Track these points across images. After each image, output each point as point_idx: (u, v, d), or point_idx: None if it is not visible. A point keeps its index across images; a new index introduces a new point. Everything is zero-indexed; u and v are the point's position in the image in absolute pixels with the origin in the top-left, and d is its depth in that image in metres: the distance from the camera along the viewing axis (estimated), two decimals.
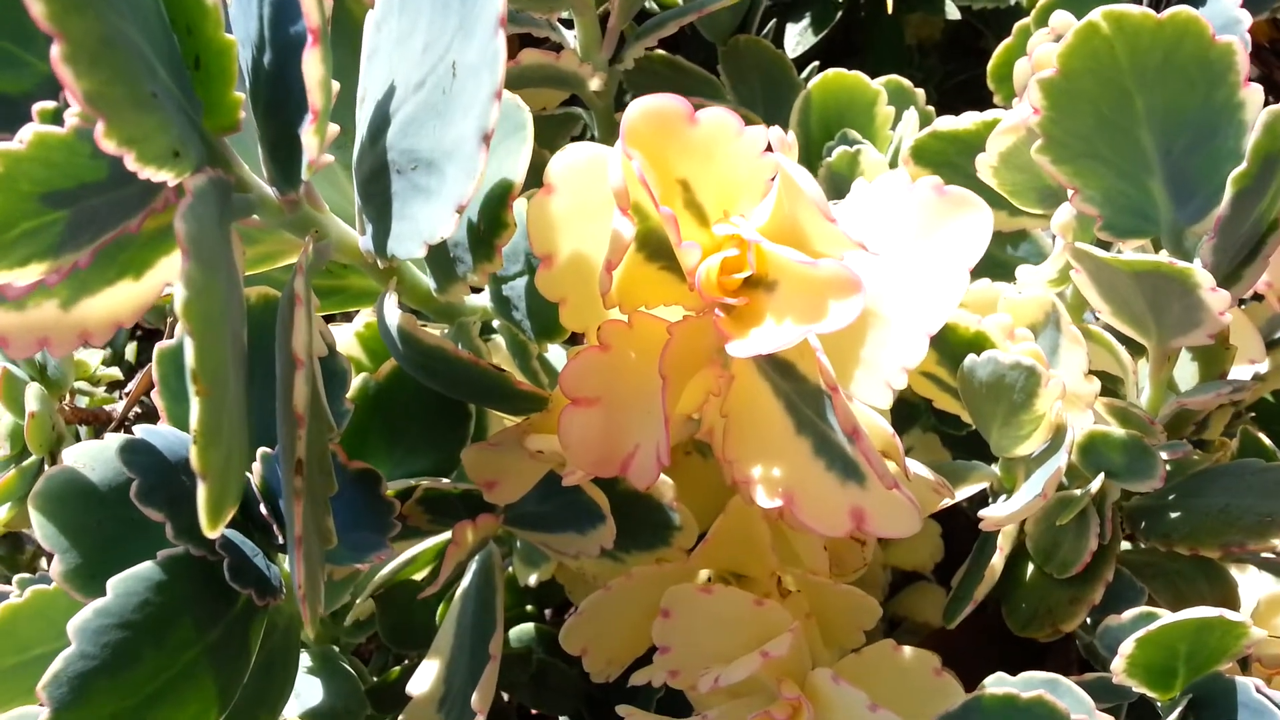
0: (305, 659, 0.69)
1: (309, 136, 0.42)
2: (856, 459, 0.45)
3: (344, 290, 0.59)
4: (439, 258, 0.53)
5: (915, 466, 0.56)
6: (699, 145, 0.42)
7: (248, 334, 0.51)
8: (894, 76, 0.77)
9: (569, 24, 0.70)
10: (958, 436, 0.81)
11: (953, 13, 0.96)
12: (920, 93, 0.77)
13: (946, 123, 0.69)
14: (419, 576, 0.76)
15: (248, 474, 0.53)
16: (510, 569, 0.80)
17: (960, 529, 0.92)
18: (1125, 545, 0.70)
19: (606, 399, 0.47)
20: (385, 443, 0.60)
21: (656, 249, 0.46)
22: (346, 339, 0.64)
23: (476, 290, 0.59)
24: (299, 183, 0.44)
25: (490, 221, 0.48)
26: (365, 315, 0.64)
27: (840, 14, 0.93)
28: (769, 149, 0.43)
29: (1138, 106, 0.52)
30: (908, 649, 0.57)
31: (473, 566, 0.67)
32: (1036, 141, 0.55)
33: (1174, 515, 0.65)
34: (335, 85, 0.43)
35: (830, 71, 0.74)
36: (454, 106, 0.40)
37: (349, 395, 0.57)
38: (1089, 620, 0.71)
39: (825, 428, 0.46)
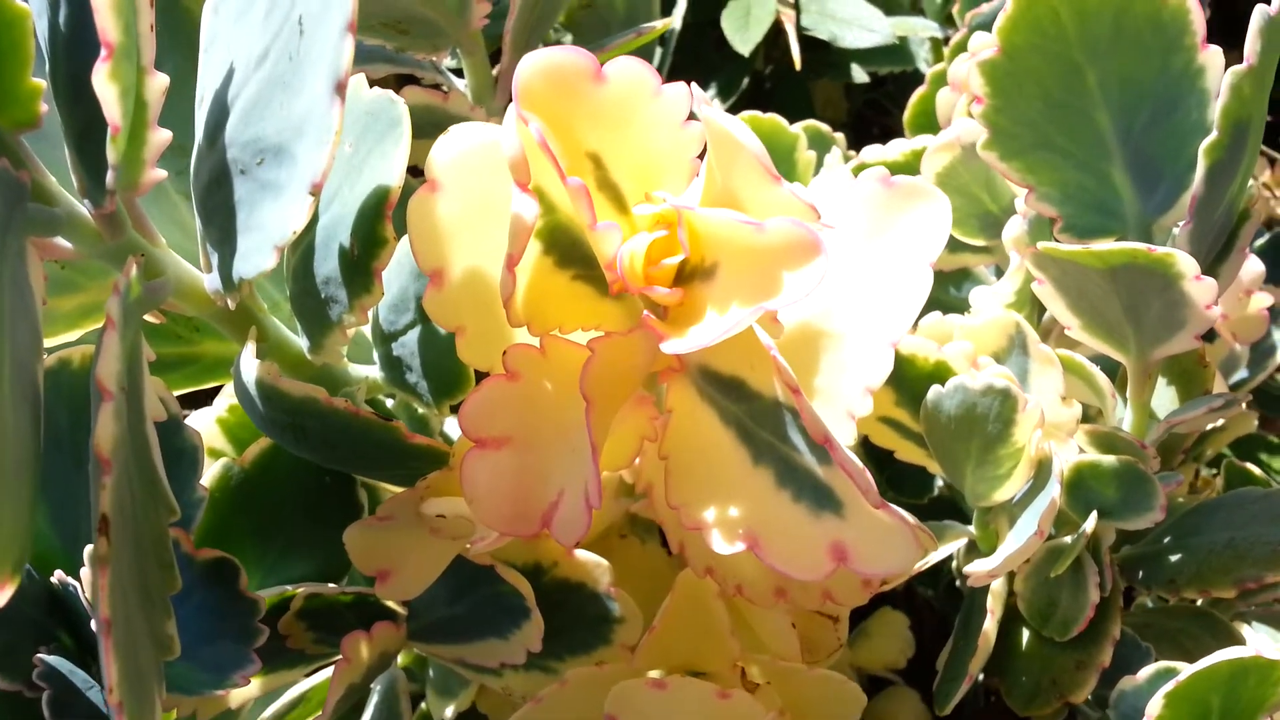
0: None
1: (112, 152, 0.34)
2: (830, 484, 0.37)
3: (198, 359, 0.49)
4: (308, 303, 0.44)
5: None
6: (610, 109, 0.35)
7: (71, 408, 0.41)
8: (812, 121, 0.72)
9: (458, 73, 0.64)
10: (919, 505, 0.73)
11: (859, 76, 0.93)
12: (840, 137, 0.73)
13: (874, 153, 0.64)
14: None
15: (76, 584, 0.42)
16: (424, 705, 0.68)
17: (929, 628, 0.83)
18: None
19: (519, 439, 0.38)
20: (255, 544, 0.49)
21: (569, 251, 0.38)
22: (207, 426, 0.53)
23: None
24: (107, 193, 0.35)
25: (365, 240, 0.40)
26: (230, 398, 0.54)
27: (747, 80, 0.89)
28: (693, 117, 0.36)
29: (1090, 82, 0.47)
30: None
31: (374, 699, 0.56)
32: (982, 137, 0.50)
33: (1175, 558, 0.57)
34: (163, 81, 0.35)
35: (744, 114, 0.69)
36: (303, 69, 0.33)
37: (207, 485, 0.47)
38: (1091, 697, 0.62)
39: (788, 450, 0.38)
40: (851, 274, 0.43)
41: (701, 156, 0.38)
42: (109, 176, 0.35)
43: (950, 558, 0.66)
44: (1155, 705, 0.48)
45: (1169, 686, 0.47)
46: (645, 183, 0.37)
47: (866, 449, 0.71)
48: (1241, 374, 0.83)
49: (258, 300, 0.47)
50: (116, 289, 0.34)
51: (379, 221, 0.39)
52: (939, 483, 0.73)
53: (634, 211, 0.37)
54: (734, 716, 0.45)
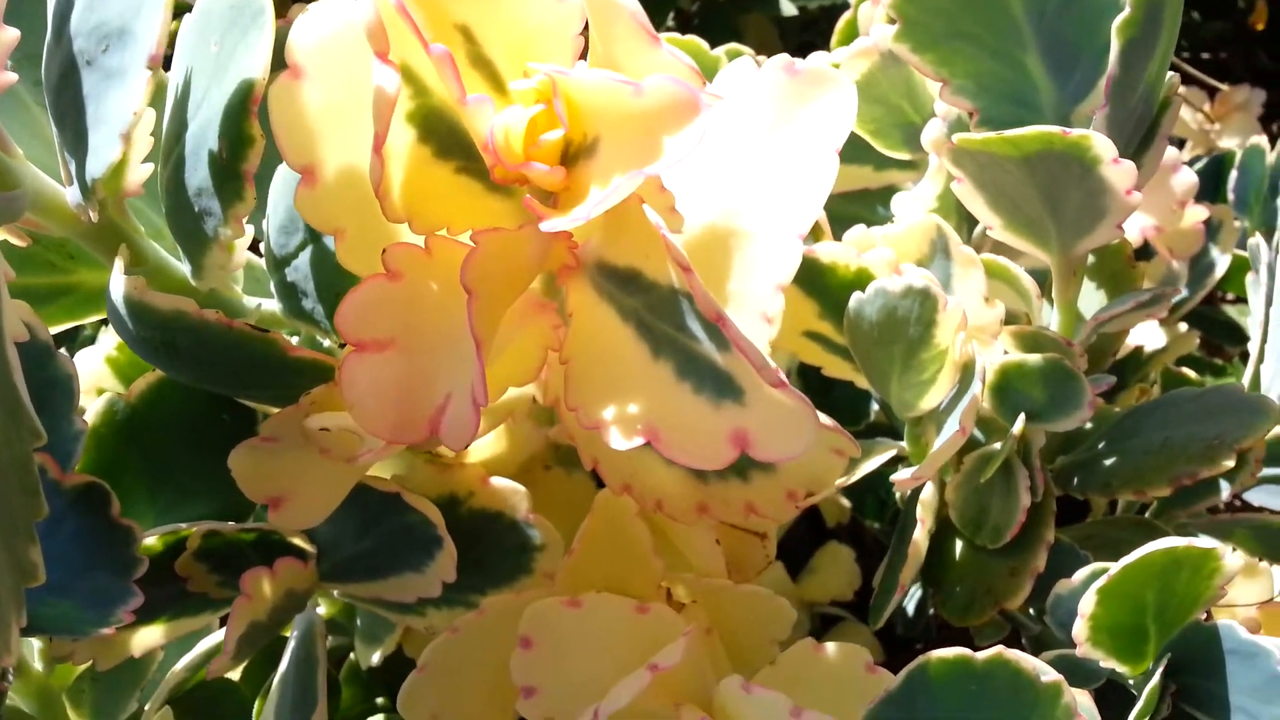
0: None
1: None
2: (730, 371, 0.35)
3: (73, 289, 0.46)
4: (183, 220, 0.42)
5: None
6: None
7: None
8: (734, 45, 0.70)
9: None
10: (855, 432, 0.72)
11: (788, 9, 0.91)
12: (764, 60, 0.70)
13: None
14: (237, 676, 0.61)
15: None
16: (353, 657, 0.66)
17: (877, 561, 0.82)
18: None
19: (403, 342, 0.36)
20: (146, 482, 0.47)
21: (447, 140, 0.36)
22: (95, 365, 0.51)
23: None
24: None
25: (232, 140, 0.37)
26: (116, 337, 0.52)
27: (672, 16, 0.87)
28: None
29: None
30: (832, 645, 0.46)
31: (290, 644, 0.54)
32: (894, 28, 0.48)
33: (1109, 462, 0.56)
34: None
35: (664, 36, 0.66)
36: None
37: (90, 420, 0.45)
38: (1032, 611, 0.61)
39: (687, 340, 0.36)
40: (757, 168, 0.41)
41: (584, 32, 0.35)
42: None
43: (896, 491, 0.64)
44: (1088, 603, 0.47)
45: (1100, 582, 0.46)
46: (523, 60, 0.35)
47: (802, 378, 0.70)
48: (1181, 294, 0.83)
49: (132, 221, 0.44)
50: None
51: (244, 118, 0.37)
52: (874, 407, 0.72)
53: (510, 87, 0.34)
54: (653, 631, 0.43)
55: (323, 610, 0.64)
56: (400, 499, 0.46)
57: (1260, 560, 0.65)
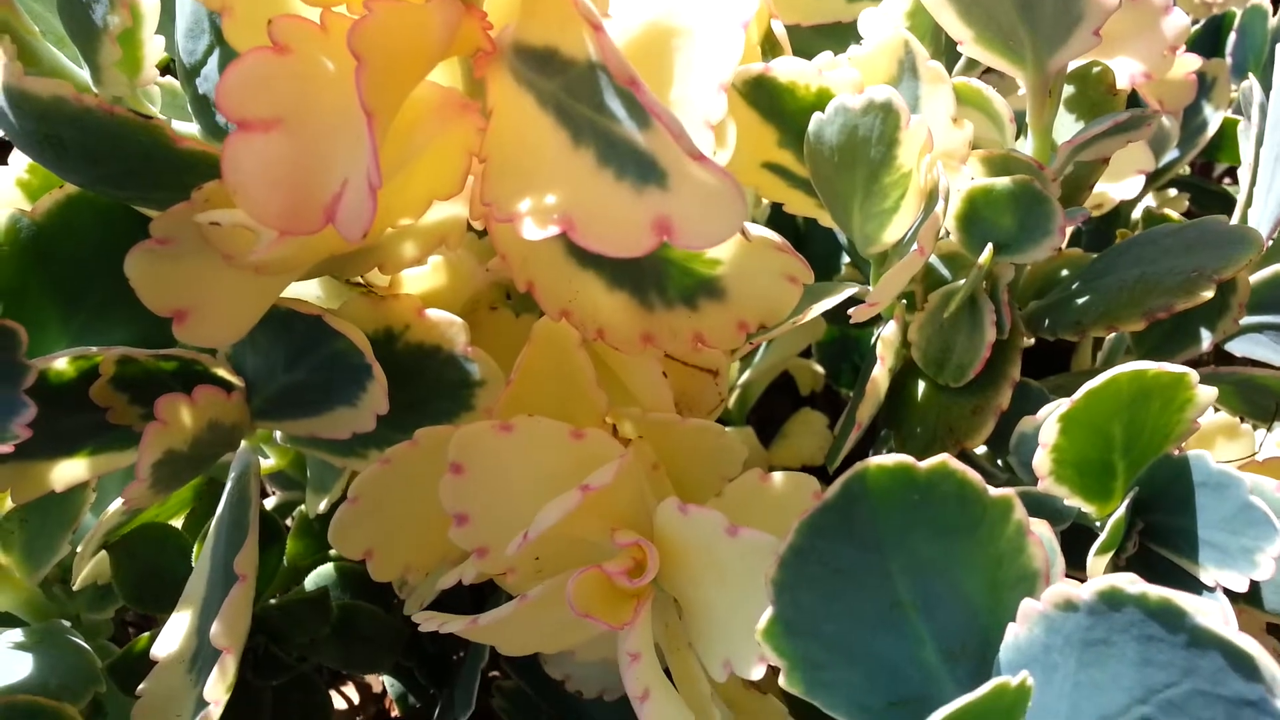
0: (18, 635, 0.52)
1: None
2: (652, 153, 0.32)
3: None
4: (74, 12, 0.38)
5: (757, 229, 0.44)
6: None
7: None
8: None
9: None
10: None
11: None
12: None
13: None
14: (179, 523, 0.60)
15: None
16: (303, 508, 0.64)
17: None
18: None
19: (293, 121, 0.32)
20: (57, 305, 0.44)
21: None
22: (6, 188, 0.48)
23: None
24: None
25: None
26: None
27: None
28: None
29: None
30: (779, 475, 0.44)
31: (227, 485, 0.52)
32: None
33: (1082, 300, 0.53)
34: None
35: None
36: None
37: None
38: (1000, 463, 0.59)
39: (607, 121, 0.33)
40: None
41: None
42: None
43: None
44: (1050, 431, 0.45)
45: (1063, 407, 0.44)
46: None
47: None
48: (1172, 154, 0.79)
49: (25, 22, 0.41)
50: None
51: None
52: (844, 262, 0.69)
53: None
54: (589, 456, 0.41)
55: (272, 461, 0.62)
56: (324, 324, 0.44)
57: (1241, 421, 0.62)
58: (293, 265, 0.38)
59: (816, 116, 0.48)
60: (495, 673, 0.68)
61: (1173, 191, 0.87)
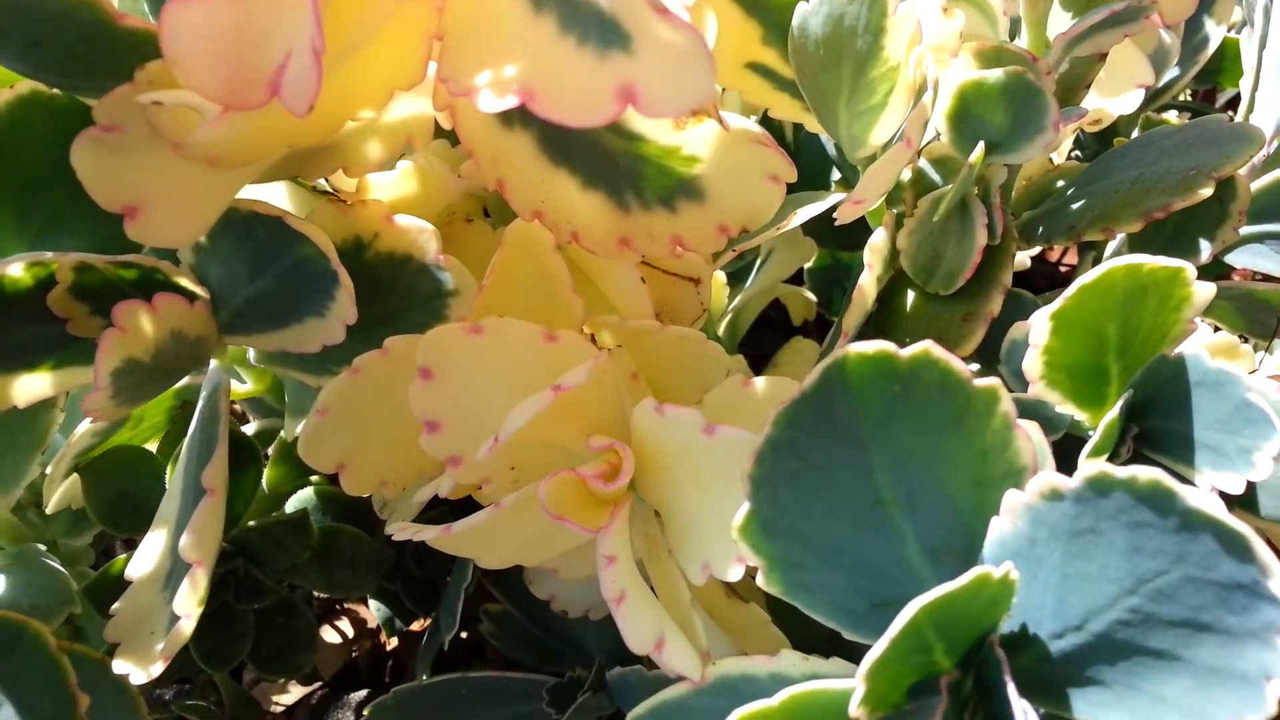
0: None
1: None
2: (615, 16, 0.30)
3: None
4: None
5: (736, 119, 0.42)
6: None
7: None
8: None
9: None
10: None
11: None
12: None
13: None
14: (154, 447, 0.59)
15: None
16: (283, 434, 0.63)
17: None
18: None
19: None
20: (11, 214, 0.43)
21: None
22: None
23: None
24: None
25: None
26: None
27: None
28: None
29: None
30: (761, 380, 0.43)
31: (198, 404, 0.51)
32: None
33: (1077, 205, 0.52)
34: None
35: None
36: None
37: None
38: None
39: None
40: None
41: None
42: None
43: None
44: (1041, 331, 0.43)
45: (1054, 306, 0.42)
46: None
47: None
48: (1173, 72, 0.77)
49: None
50: None
51: None
52: (835, 178, 0.67)
53: None
54: (563, 359, 0.39)
55: (249, 386, 0.61)
56: (285, 225, 0.42)
57: (1243, 340, 0.61)
58: (245, 155, 0.36)
59: (801, 7, 0.46)
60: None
61: (1173, 115, 0.85)
